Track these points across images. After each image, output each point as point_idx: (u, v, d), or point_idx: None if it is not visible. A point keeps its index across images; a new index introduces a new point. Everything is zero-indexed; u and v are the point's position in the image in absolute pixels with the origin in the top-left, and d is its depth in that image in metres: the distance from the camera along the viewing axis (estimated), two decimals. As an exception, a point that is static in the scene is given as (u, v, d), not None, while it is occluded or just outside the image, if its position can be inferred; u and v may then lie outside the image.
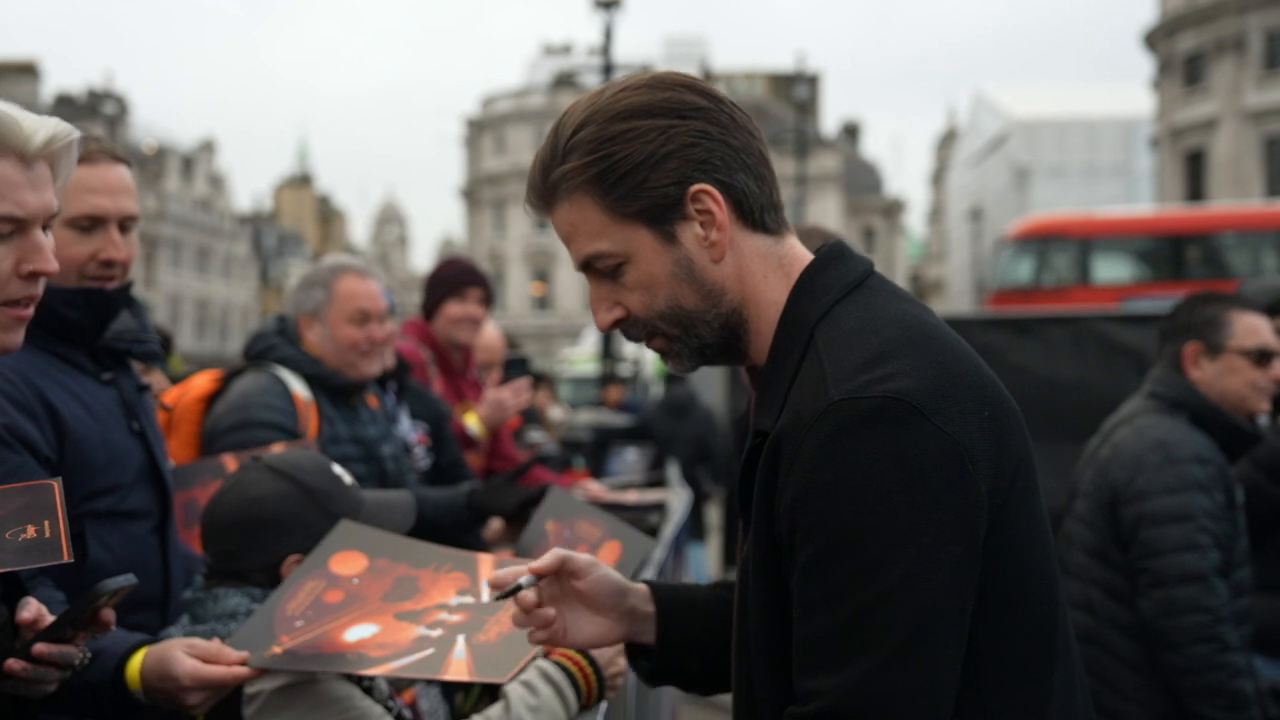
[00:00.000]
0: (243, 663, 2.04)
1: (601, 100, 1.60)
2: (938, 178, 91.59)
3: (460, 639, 2.03)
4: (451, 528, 3.58)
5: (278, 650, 2.07)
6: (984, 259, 53.70)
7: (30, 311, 1.84)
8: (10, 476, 2.04)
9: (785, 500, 1.49)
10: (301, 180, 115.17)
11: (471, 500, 3.76)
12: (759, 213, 1.62)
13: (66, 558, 1.57)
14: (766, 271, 1.63)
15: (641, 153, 1.56)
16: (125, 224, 2.57)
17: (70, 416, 2.40)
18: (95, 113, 58.76)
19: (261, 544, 2.33)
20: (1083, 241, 18.24)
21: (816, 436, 1.46)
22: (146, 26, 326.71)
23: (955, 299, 66.90)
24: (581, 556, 1.76)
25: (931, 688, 1.44)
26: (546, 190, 1.63)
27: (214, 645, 2.07)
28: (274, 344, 3.57)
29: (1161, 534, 3.24)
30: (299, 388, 3.46)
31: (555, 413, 10.31)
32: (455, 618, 2.09)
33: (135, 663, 2.08)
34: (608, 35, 15.90)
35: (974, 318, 6.60)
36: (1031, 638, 1.55)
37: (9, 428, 2.27)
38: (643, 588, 1.84)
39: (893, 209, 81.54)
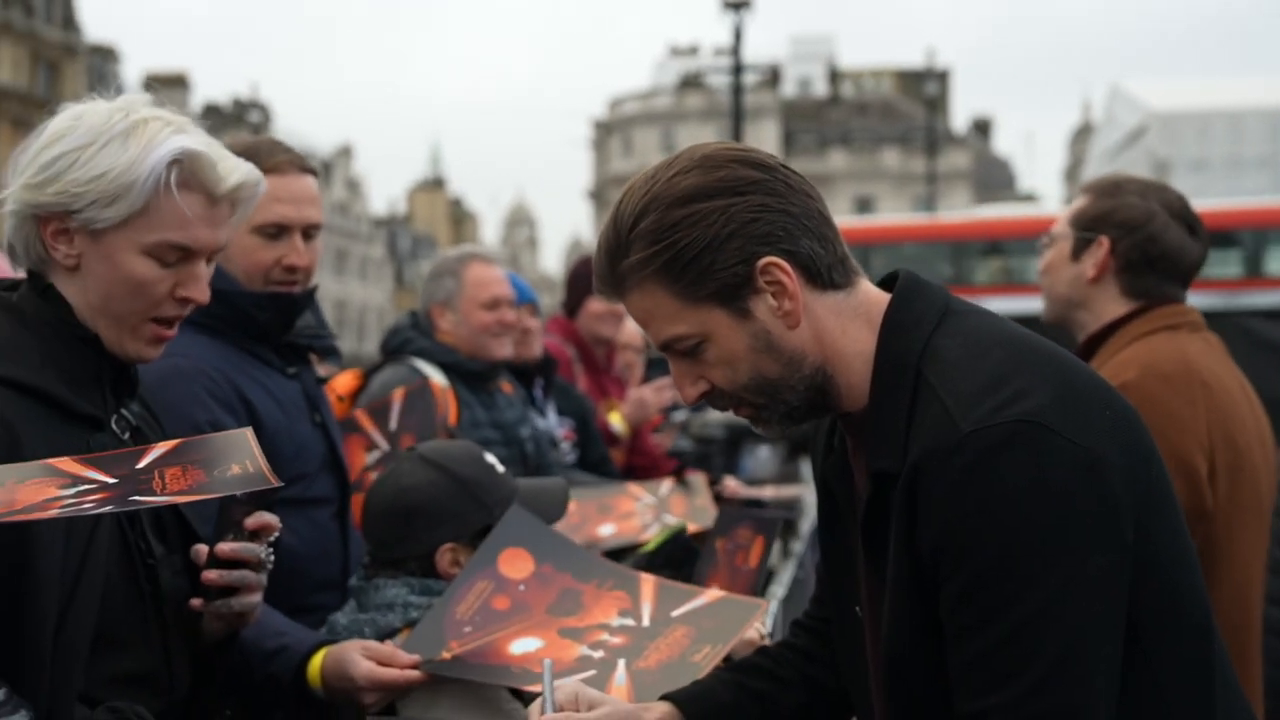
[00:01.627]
0: (414, 666, 2.15)
1: (658, 185, 1.61)
2: (1072, 173, 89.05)
3: (621, 663, 2.08)
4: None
5: (447, 656, 2.16)
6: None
7: (174, 332, 1.96)
8: None
9: (928, 537, 1.52)
10: (434, 184, 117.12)
11: None
12: (827, 272, 1.63)
13: (274, 482, 1.67)
14: (844, 325, 1.64)
15: (705, 237, 1.57)
16: (309, 232, 2.70)
17: (263, 410, 2.57)
18: (241, 121, 60.78)
19: (414, 533, 2.38)
20: None
21: (954, 470, 1.49)
22: (289, 37, 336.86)
23: (1092, 297, 64.71)
24: (590, 696, 1.80)
25: (1087, 702, 1.47)
26: (615, 280, 1.65)
27: (388, 648, 2.19)
28: (409, 337, 3.74)
29: None
30: (436, 377, 3.60)
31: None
32: (617, 640, 2.15)
33: (316, 662, 2.21)
34: (737, 35, 15.87)
35: (1247, 310, 6.44)
36: (1191, 635, 1.58)
37: (212, 423, 2.44)
38: (667, 709, 1.87)
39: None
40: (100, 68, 57.07)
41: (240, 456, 1.71)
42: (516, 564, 2.29)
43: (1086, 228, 2.88)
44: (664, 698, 1.89)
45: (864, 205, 69.03)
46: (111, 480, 1.60)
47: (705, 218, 1.58)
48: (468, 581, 2.26)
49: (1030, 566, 1.46)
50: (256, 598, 1.98)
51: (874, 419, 1.62)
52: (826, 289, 1.64)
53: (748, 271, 1.59)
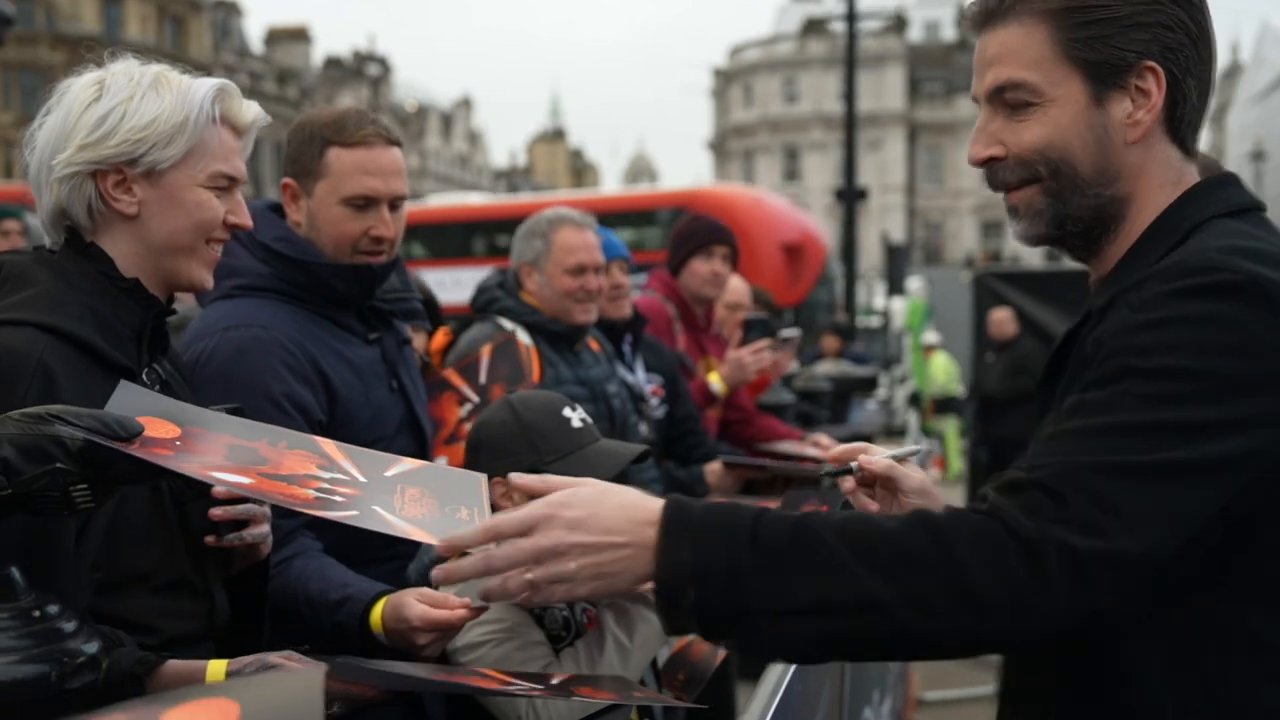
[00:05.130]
0: (466, 606, 2.21)
1: None
2: (1217, 118, 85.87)
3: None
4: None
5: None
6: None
7: (219, 254, 2.13)
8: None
9: (1103, 329, 1.44)
10: (554, 135, 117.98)
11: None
12: (1184, 125, 1.58)
13: (482, 537, 1.71)
14: (1164, 181, 1.58)
15: (1123, 10, 1.52)
16: (395, 203, 2.72)
17: (339, 381, 2.62)
18: (360, 74, 61.88)
19: (478, 464, 2.56)
20: None
21: (1158, 287, 1.41)
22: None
23: (1230, 247, 62.53)
24: (915, 478, 1.73)
25: (1177, 526, 1.34)
26: (1002, 6, 1.58)
27: (441, 594, 2.26)
28: (495, 296, 3.81)
29: None
30: (521, 335, 3.69)
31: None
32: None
33: (378, 609, 2.30)
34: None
35: None
36: None
37: (288, 395, 2.51)
38: None
39: (1162, 152, 76.91)
40: (224, 22, 58.55)
41: (470, 501, 1.80)
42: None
43: None
44: None
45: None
46: (362, 479, 1.70)
47: None
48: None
49: (1186, 386, 1.35)
50: (264, 528, 2.10)
51: (1116, 266, 1.58)
52: (1174, 140, 1.59)
53: (1134, 63, 1.53)
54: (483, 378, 3.48)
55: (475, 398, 3.44)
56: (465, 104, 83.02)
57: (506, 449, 2.57)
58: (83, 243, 2.03)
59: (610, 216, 8.63)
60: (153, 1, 51.35)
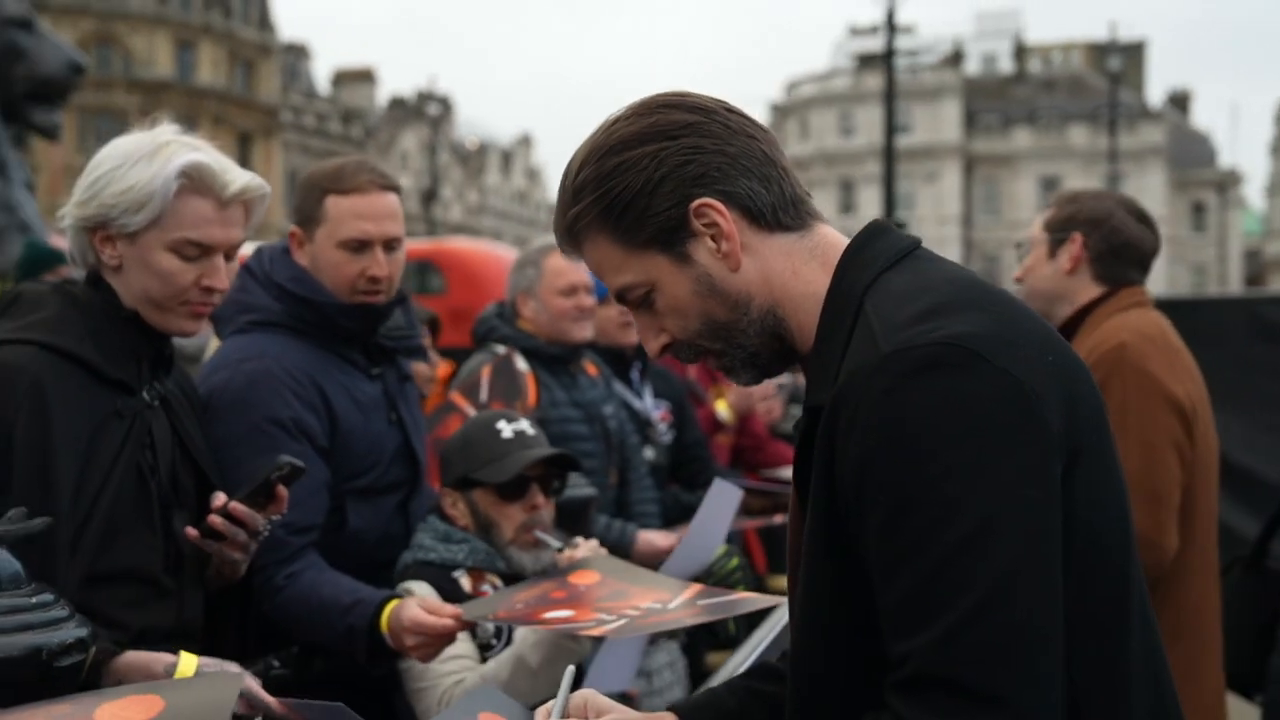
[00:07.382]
0: (456, 617, 2.41)
1: (597, 137, 1.63)
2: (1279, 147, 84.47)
3: (622, 622, 2.22)
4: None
5: (491, 618, 2.41)
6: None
7: (208, 309, 2.35)
8: None
9: (848, 466, 1.43)
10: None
11: None
12: (771, 213, 1.60)
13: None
14: (796, 267, 1.60)
15: (637, 182, 1.57)
16: (390, 244, 2.91)
17: (342, 411, 2.83)
18: (422, 114, 62.69)
19: (440, 476, 2.93)
20: None
21: (872, 393, 1.40)
22: (474, 30, 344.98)
23: (1297, 277, 61.65)
24: (599, 704, 1.68)
25: (1031, 635, 1.34)
26: (570, 236, 1.66)
27: (438, 602, 2.47)
28: (494, 326, 4.03)
29: None
30: (518, 360, 3.90)
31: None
32: (637, 613, 2.29)
33: (387, 611, 2.51)
34: (890, 18, 15.64)
35: (1260, 297, 6.29)
36: (1102, 599, 1.47)
37: (295, 420, 2.72)
38: (671, 719, 1.72)
39: (1227, 182, 75.84)
40: (293, 65, 59.75)
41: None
42: (583, 576, 2.52)
43: (1058, 230, 3.29)
44: (669, 708, 1.78)
45: (1050, 185, 66.86)
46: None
47: (636, 164, 1.58)
48: (537, 583, 2.52)
49: (951, 493, 1.36)
50: (240, 554, 2.35)
51: (814, 355, 1.58)
52: (774, 230, 1.61)
53: (681, 214, 1.58)
54: (484, 396, 3.73)
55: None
56: (525, 141, 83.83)
57: (450, 460, 2.92)
58: (97, 277, 2.33)
59: None
60: (224, 46, 52.53)
